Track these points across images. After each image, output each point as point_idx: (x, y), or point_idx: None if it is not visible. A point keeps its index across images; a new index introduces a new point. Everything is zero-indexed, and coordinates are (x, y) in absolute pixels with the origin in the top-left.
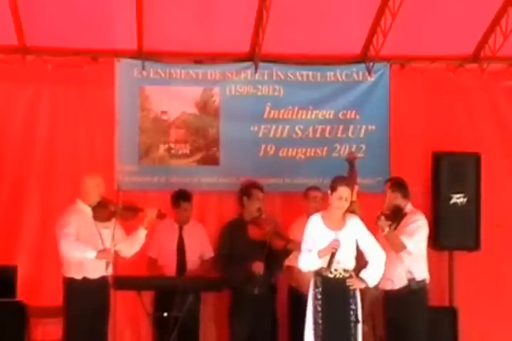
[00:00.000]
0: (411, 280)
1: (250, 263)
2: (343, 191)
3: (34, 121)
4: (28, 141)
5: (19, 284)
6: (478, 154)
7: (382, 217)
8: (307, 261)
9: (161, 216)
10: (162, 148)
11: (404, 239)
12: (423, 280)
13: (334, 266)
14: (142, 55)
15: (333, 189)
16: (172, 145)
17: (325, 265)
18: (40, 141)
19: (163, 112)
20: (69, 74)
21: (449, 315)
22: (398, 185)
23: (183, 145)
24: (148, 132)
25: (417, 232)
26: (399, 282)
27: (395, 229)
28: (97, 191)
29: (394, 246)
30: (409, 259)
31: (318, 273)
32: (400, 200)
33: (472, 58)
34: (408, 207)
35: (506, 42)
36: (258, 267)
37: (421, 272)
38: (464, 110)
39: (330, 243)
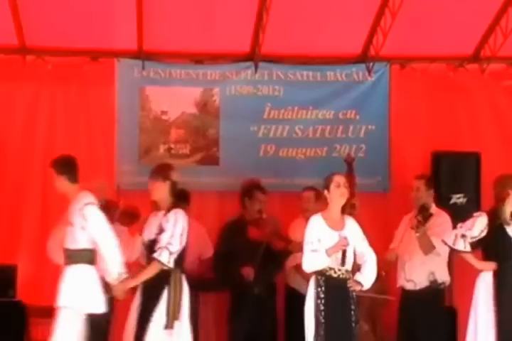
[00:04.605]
0: (433, 282)
1: (241, 268)
2: (338, 178)
3: (34, 121)
4: (28, 141)
5: (19, 284)
6: (478, 154)
7: (419, 218)
8: (314, 260)
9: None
10: (162, 148)
11: (434, 240)
12: (443, 283)
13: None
14: (142, 55)
15: (329, 181)
16: (172, 145)
17: (335, 264)
18: (40, 141)
19: (163, 112)
20: (69, 74)
21: (449, 315)
22: (431, 183)
23: (183, 145)
24: (149, 132)
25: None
26: (420, 283)
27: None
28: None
29: (424, 247)
30: (433, 261)
31: (321, 273)
32: (431, 199)
33: (472, 58)
34: (433, 207)
35: (506, 42)
36: (248, 273)
37: (443, 274)
38: (464, 110)
39: (339, 241)
